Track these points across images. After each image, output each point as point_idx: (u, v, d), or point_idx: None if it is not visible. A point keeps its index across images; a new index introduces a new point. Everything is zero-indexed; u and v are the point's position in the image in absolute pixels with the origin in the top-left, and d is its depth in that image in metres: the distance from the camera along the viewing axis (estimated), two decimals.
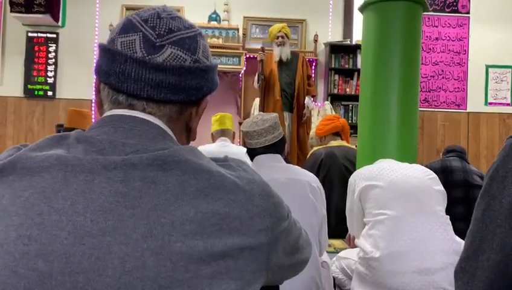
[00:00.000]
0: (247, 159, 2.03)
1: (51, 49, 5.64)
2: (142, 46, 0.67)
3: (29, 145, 0.66)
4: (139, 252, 0.56)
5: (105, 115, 0.70)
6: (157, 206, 0.58)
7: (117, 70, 0.67)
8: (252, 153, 1.92)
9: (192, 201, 0.59)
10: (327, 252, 2.18)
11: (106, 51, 0.69)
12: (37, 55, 5.61)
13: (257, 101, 5.14)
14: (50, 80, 5.63)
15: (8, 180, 0.61)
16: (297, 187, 1.82)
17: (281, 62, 4.73)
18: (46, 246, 0.56)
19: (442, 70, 5.98)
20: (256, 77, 4.72)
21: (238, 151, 2.86)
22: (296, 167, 2.04)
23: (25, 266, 0.55)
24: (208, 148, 3.02)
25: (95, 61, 5.62)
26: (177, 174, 0.61)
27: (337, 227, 2.94)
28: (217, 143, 3.15)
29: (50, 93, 5.62)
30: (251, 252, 0.62)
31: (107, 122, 0.67)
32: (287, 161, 1.98)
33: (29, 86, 5.60)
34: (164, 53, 0.67)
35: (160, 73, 0.66)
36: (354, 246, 2.22)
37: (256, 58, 4.98)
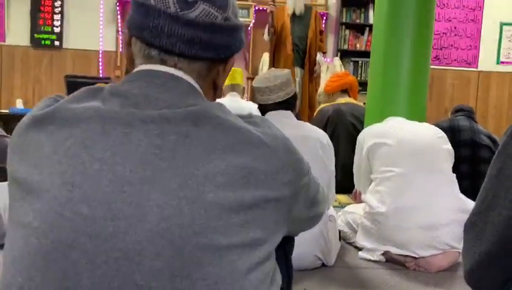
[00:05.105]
0: (258, 115, 2.05)
1: None
2: (175, 1, 0.68)
3: (66, 97, 0.69)
4: (175, 200, 0.60)
5: (137, 69, 0.71)
6: (191, 159, 0.62)
7: (150, 25, 0.68)
8: (263, 109, 1.93)
9: (223, 155, 0.63)
10: (333, 206, 2.24)
11: (140, 5, 0.70)
12: (42, 3, 5.50)
13: (266, 55, 5.06)
14: (57, 30, 5.55)
15: (48, 130, 0.64)
16: (307, 144, 1.85)
17: (293, 15, 4.60)
18: (88, 193, 0.60)
19: (455, 27, 5.84)
20: (266, 29, 4.62)
21: (249, 107, 2.86)
22: (307, 123, 2.06)
23: (70, 210, 0.60)
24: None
25: (102, 10, 5.54)
26: (208, 130, 0.64)
27: (343, 183, 2.99)
28: (227, 98, 3.16)
29: (57, 43, 5.56)
30: (275, 204, 0.66)
31: (140, 77, 0.69)
32: (298, 117, 2.00)
33: (36, 35, 5.53)
34: (197, 9, 0.68)
35: (192, 29, 0.68)
36: (360, 202, 2.28)
37: (266, 10, 4.87)
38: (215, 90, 0.78)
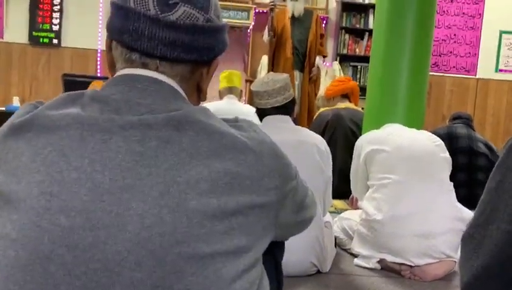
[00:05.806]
0: (256, 119, 2.04)
1: None
2: (155, 3, 0.66)
3: (45, 104, 0.67)
4: (156, 209, 0.58)
5: (118, 74, 0.70)
6: (173, 166, 0.60)
7: (130, 28, 0.66)
8: (262, 113, 1.93)
9: (206, 161, 0.61)
10: (329, 212, 2.23)
11: (119, 8, 0.68)
12: (41, 0, 5.49)
13: (265, 58, 5.05)
14: (55, 28, 5.53)
15: (26, 137, 0.62)
16: (305, 149, 1.84)
17: (294, 19, 4.58)
18: (67, 202, 0.58)
19: (455, 35, 5.85)
20: (266, 30, 4.60)
21: (247, 111, 2.85)
22: (304, 128, 2.06)
23: (48, 220, 0.58)
24: (216, 105, 3.01)
25: (101, 9, 5.52)
26: (190, 135, 0.62)
27: (340, 188, 2.98)
28: (224, 100, 3.15)
29: (55, 41, 5.53)
30: (261, 210, 0.65)
31: (121, 82, 0.67)
32: (296, 122, 2.00)
33: (34, 33, 5.51)
34: (177, 11, 0.67)
35: (173, 31, 0.66)
36: (357, 208, 2.27)
37: (266, 12, 4.86)
38: (199, 93, 0.76)
